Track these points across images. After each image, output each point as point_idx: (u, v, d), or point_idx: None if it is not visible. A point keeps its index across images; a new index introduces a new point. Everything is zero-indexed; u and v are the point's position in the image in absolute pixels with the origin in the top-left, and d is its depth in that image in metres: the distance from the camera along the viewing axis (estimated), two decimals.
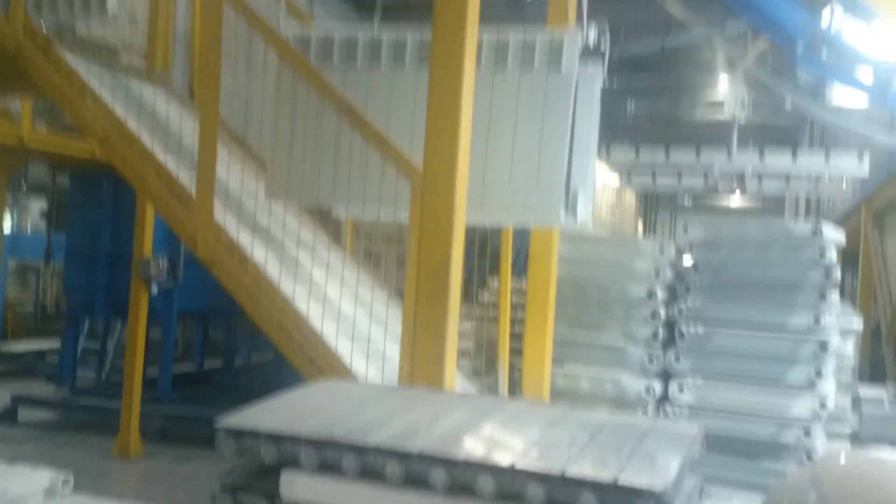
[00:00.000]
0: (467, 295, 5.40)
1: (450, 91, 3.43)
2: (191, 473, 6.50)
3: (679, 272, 5.77)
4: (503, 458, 2.15)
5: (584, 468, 2.07)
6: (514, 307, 5.69)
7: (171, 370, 8.36)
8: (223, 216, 4.14)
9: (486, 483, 2.08)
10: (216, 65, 4.00)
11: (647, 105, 19.73)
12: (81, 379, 9.27)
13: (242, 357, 11.23)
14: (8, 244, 9.64)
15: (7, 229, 11.87)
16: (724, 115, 14.45)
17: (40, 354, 11.46)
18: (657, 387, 5.49)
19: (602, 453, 2.25)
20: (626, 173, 12.21)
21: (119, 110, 4.23)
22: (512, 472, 2.09)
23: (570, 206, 3.91)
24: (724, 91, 13.49)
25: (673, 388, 5.43)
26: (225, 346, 9.73)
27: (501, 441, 2.42)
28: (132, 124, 4.22)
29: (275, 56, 4.03)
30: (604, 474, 2.00)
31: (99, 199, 8.21)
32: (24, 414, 8.21)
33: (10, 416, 8.11)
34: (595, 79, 3.97)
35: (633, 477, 1.97)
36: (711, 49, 11.49)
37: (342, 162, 3.90)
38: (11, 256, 11.99)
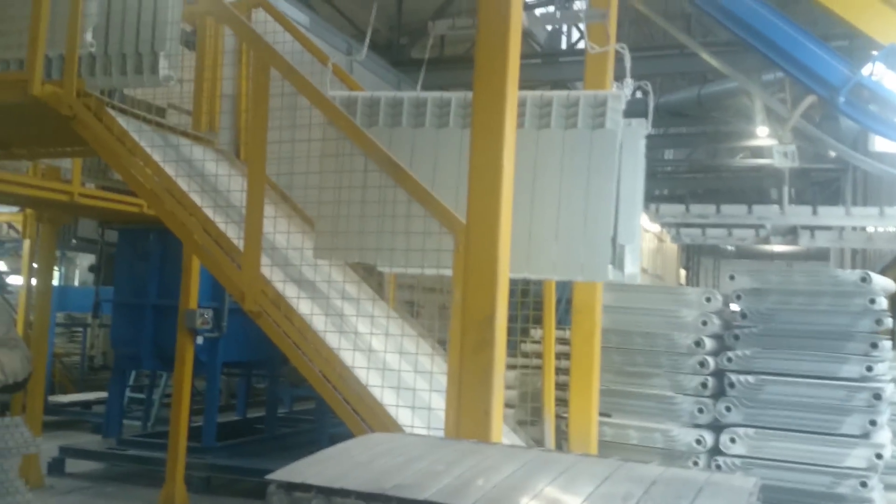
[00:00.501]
0: (509, 344, 5.39)
1: (491, 145, 3.48)
2: None
3: (726, 321, 5.70)
4: None
5: None
6: (556, 356, 5.65)
7: (216, 420, 8.42)
8: (270, 270, 4.20)
9: None
10: (263, 125, 4.10)
11: (685, 151, 19.68)
12: (128, 430, 9.37)
13: (285, 406, 11.27)
14: (56, 297, 9.85)
15: (55, 282, 12.13)
16: (765, 160, 14.37)
17: (87, 406, 11.62)
18: (708, 438, 5.38)
19: None
20: (675, 227, 12.22)
21: (169, 169, 4.34)
22: None
23: (618, 261, 3.91)
24: (764, 137, 13.45)
25: (724, 439, 5.32)
26: (267, 396, 9.78)
27: (554, 496, 2.39)
28: (181, 182, 4.33)
29: (319, 115, 4.13)
30: None
31: (146, 253, 8.40)
32: (72, 465, 8.30)
33: (57, 466, 8.21)
34: (639, 133, 3.99)
35: None
36: (750, 96, 11.50)
37: (387, 218, 3.96)
38: (59, 309, 12.23)
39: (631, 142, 3.97)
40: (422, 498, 2.29)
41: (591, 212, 3.86)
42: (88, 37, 4.38)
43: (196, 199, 4.33)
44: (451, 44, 14.19)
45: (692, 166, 19.18)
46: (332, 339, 4.03)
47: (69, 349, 13.90)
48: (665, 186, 20.11)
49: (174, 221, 4.33)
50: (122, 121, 4.46)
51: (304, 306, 4.12)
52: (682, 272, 15.89)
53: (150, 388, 10.35)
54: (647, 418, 5.63)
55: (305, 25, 8.63)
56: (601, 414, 5.39)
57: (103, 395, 10.55)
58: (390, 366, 4.05)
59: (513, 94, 3.55)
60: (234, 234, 4.22)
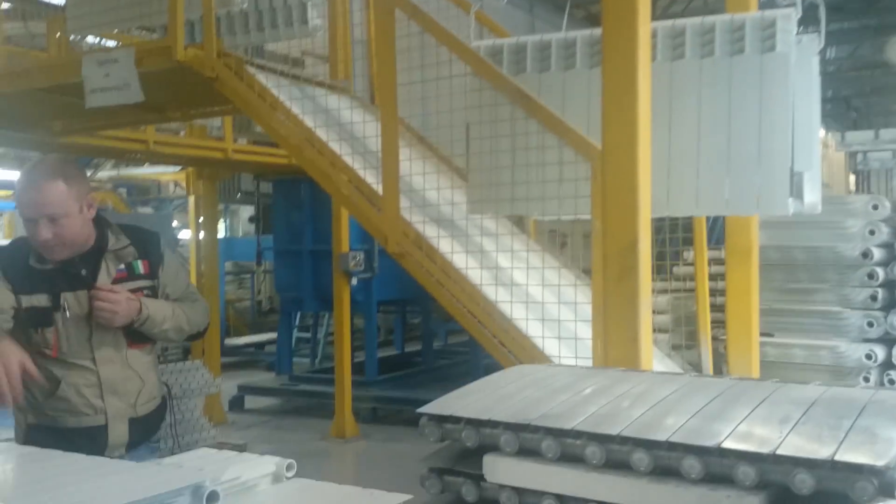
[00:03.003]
0: (660, 269, 5.24)
1: (624, 59, 3.31)
2: (404, 452, 6.79)
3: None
4: (708, 440, 2.08)
5: (797, 446, 1.95)
6: (713, 278, 5.46)
7: (376, 355, 8.80)
8: (409, 211, 4.27)
9: (691, 466, 2.01)
10: (392, 69, 4.12)
11: (848, 49, 18.11)
12: (297, 367, 9.98)
13: (440, 339, 11.61)
14: (223, 248, 10.52)
15: (221, 234, 12.94)
16: None
17: (260, 346, 12.45)
18: (879, 352, 5.09)
19: (817, 430, 2.11)
20: (863, 153, 11.51)
21: (308, 121, 4.45)
22: (719, 452, 2.01)
23: (796, 191, 3.65)
24: None
25: None
26: (423, 331, 10.10)
27: (706, 421, 2.34)
28: (321, 133, 4.43)
29: (446, 52, 4.08)
30: (819, 452, 1.88)
31: (299, 203, 8.78)
32: (250, 401, 8.97)
33: (238, 403, 8.89)
34: (812, 50, 3.66)
35: (852, 454, 1.83)
36: None
37: (521, 152, 3.90)
38: (227, 259, 13.06)
39: (803, 61, 3.64)
40: (568, 427, 2.29)
41: (765, 142, 3.59)
42: None
43: (335, 147, 4.43)
44: None
45: (856, 63, 17.67)
46: (475, 276, 4.07)
47: (240, 295, 14.87)
48: (828, 88, 18.66)
49: (317, 171, 4.46)
50: (261, 77, 4.60)
51: (444, 245, 4.16)
52: (852, 178, 14.78)
53: (314, 328, 10.94)
54: (812, 335, 5.39)
55: None
56: (763, 334, 5.18)
57: (274, 335, 11.28)
58: (534, 298, 4.05)
59: (645, 5, 3.35)
60: (373, 179, 4.31)
